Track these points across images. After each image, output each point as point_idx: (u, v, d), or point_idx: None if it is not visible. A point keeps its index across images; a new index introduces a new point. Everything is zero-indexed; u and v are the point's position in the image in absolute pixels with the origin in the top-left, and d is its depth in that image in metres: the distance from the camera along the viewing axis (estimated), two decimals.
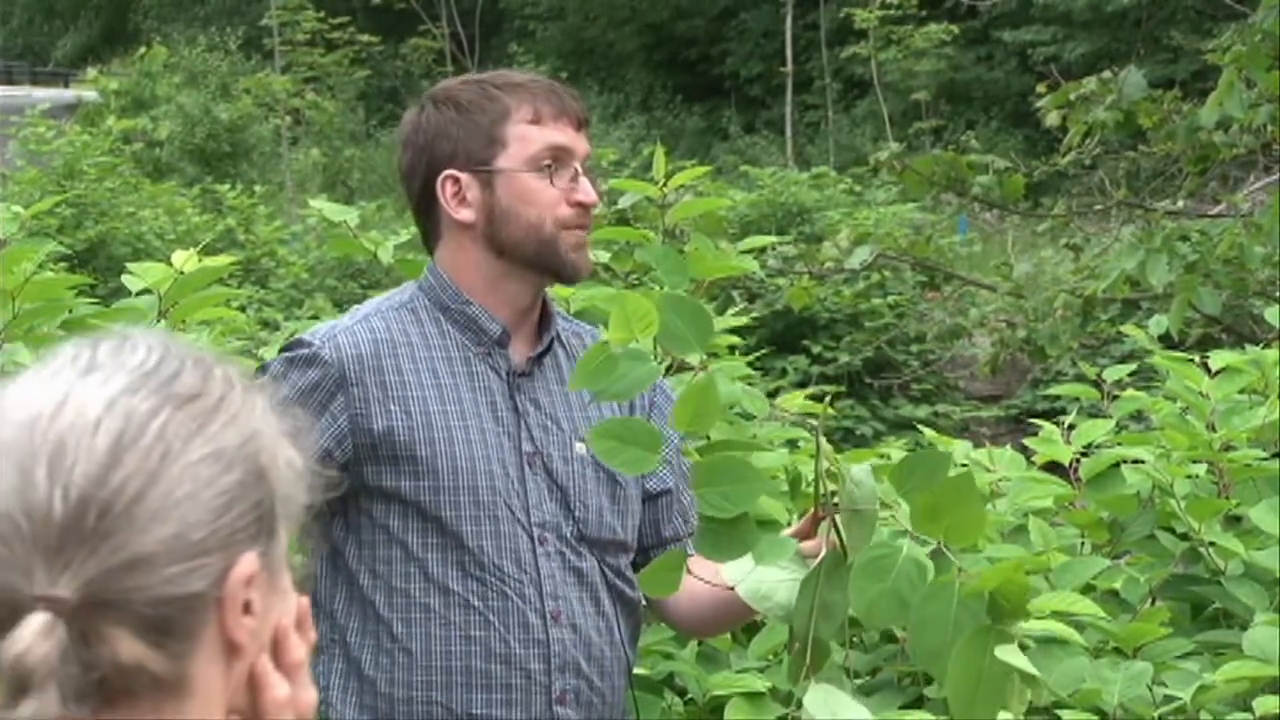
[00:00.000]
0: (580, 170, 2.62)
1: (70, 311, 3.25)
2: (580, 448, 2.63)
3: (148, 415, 1.14)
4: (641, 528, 2.73)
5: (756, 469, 2.25)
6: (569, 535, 2.61)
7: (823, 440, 2.22)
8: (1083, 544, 3.81)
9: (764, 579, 2.26)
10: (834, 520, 2.22)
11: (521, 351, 2.66)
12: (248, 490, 1.16)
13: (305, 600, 1.22)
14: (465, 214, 2.62)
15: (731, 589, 2.30)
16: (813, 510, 2.36)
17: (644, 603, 2.72)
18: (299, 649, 1.20)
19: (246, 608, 1.15)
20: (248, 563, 1.15)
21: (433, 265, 2.68)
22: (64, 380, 1.16)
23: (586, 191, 2.62)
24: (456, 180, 2.61)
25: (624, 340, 2.11)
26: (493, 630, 2.55)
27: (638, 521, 2.71)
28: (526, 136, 2.60)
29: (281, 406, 1.23)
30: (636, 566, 2.69)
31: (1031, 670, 1.99)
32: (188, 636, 1.13)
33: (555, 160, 2.61)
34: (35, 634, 1.09)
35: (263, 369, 2.68)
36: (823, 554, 2.19)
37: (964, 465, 3.91)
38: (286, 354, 2.62)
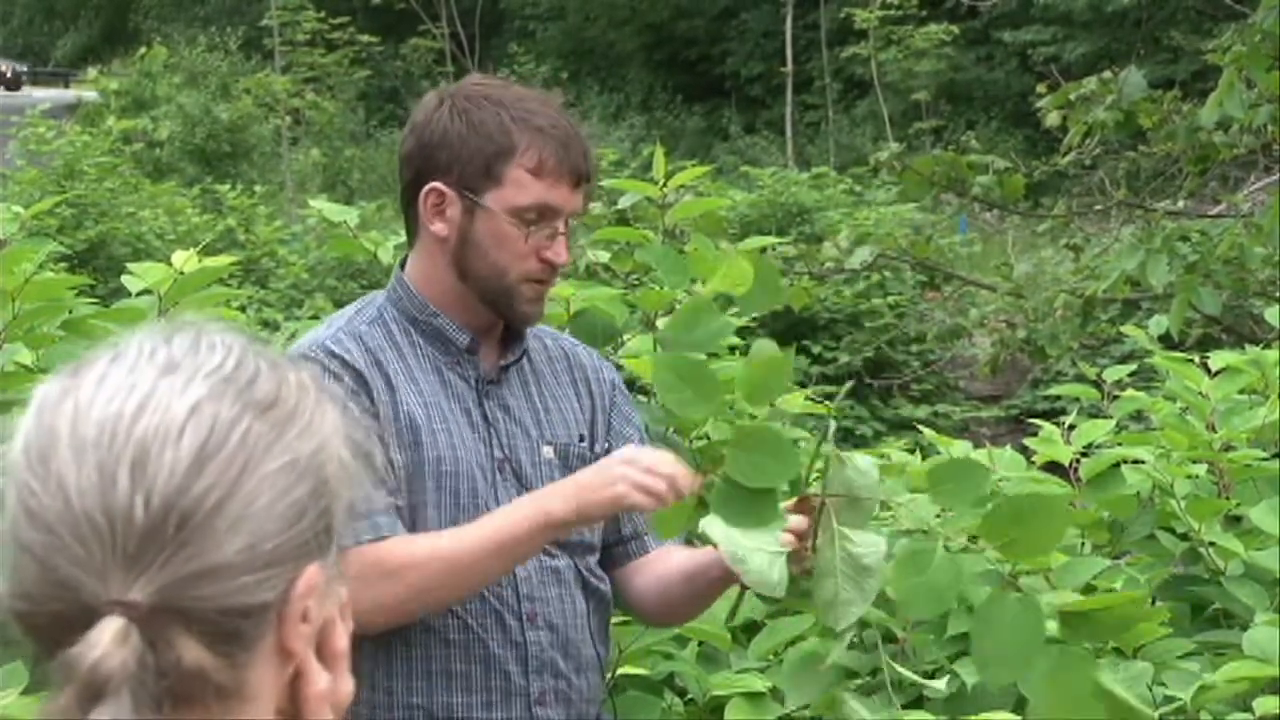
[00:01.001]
0: (561, 229, 2.60)
1: (70, 312, 3.25)
2: (548, 451, 2.65)
3: (230, 424, 1.13)
4: (604, 525, 2.75)
5: (795, 453, 2.29)
6: None
7: (832, 425, 2.26)
8: (1083, 544, 3.81)
9: (742, 544, 2.31)
10: (823, 504, 2.27)
11: (490, 359, 2.67)
12: (316, 500, 1.16)
13: (344, 591, 1.21)
14: (440, 227, 2.61)
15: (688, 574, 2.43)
16: (807, 494, 2.40)
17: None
18: (343, 639, 1.19)
19: (304, 615, 1.15)
20: (312, 574, 1.15)
21: (400, 275, 2.68)
22: (144, 379, 1.14)
23: (558, 252, 2.59)
24: (441, 194, 2.59)
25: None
26: (471, 634, 2.56)
27: (602, 523, 2.72)
28: (521, 184, 2.57)
29: (346, 410, 1.22)
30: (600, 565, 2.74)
31: (1137, 705, 1.99)
32: (250, 645, 1.13)
33: (540, 217, 2.58)
34: (112, 639, 1.08)
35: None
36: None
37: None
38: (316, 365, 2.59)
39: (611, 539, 2.76)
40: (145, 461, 1.11)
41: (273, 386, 1.17)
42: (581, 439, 2.71)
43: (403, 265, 2.71)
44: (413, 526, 2.54)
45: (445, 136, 2.59)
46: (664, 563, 2.72)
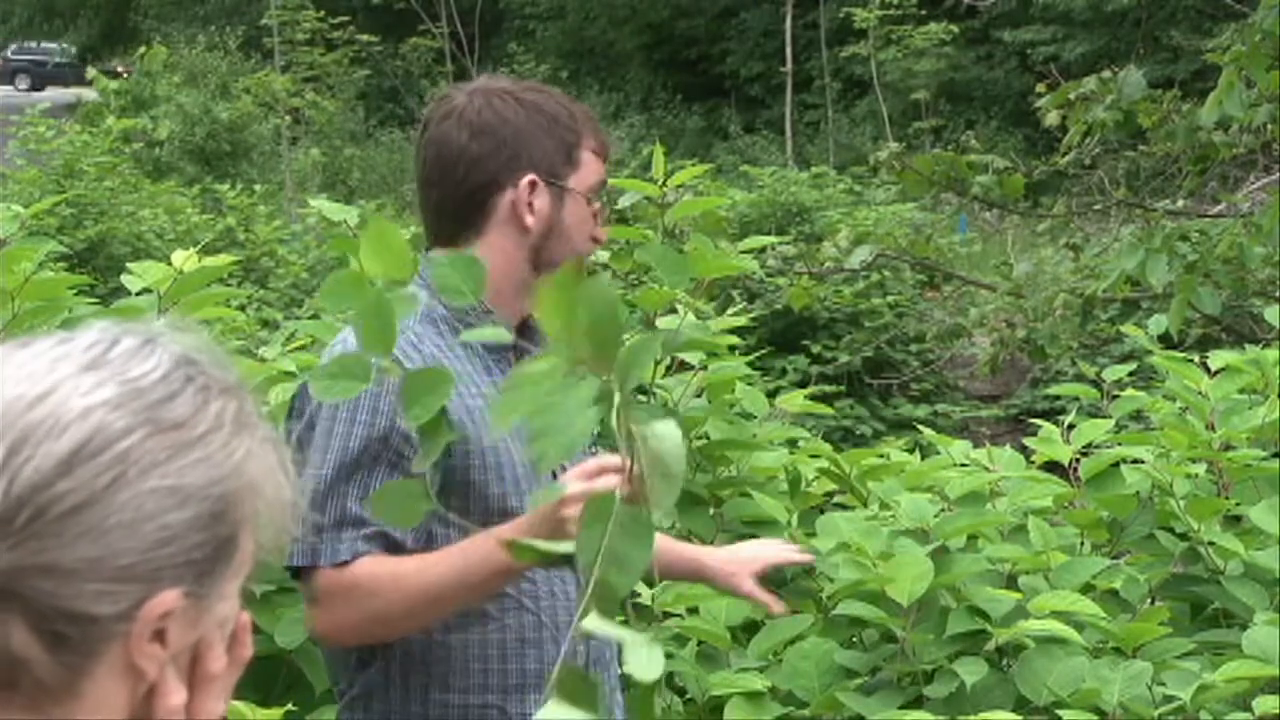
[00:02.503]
0: (603, 207, 2.71)
1: (70, 311, 3.25)
2: None
3: (118, 434, 1.13)
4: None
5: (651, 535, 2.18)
6: None
7: (627, 396, 2.15)
8: (1082, 543, 3.81)
9: (622, 636, 2.23)
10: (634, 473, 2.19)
11: (512, 357, 2.68)
12: (196, 530, 1.15)
13: (245, 616, 1.21)
14: (530, 220, 2.62)
15: None
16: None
17: None
18: (216, 662, 1.19)
19: (158, 637, 1.15)
20: (164, 600, 1.14)
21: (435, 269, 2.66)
22: (62, 370, 1.15)
23: (603, 231, 2.71)
24: (535, 185, 2.62)
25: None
26: (545, 631, 2.57)
27: None
28: (589, 165, 2.66)
29: (276, 443, 1.21)
30: None
31: None
32: (85, 652, 1.13)
33: (597, 193, 2.69)
34: None
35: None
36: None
37: (964, 464, 3.91)
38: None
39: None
40: (21, 449, 1.11)
41: (187, 411, 1.16)
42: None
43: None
44: (487, 526, 2.49)
45: (530, 131, 2.62)
46: None
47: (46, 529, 1.11)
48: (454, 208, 2.64)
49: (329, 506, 2.46)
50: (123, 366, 1.16)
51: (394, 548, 2.48)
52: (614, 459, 2.38)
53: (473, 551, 2.42)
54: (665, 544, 2.94)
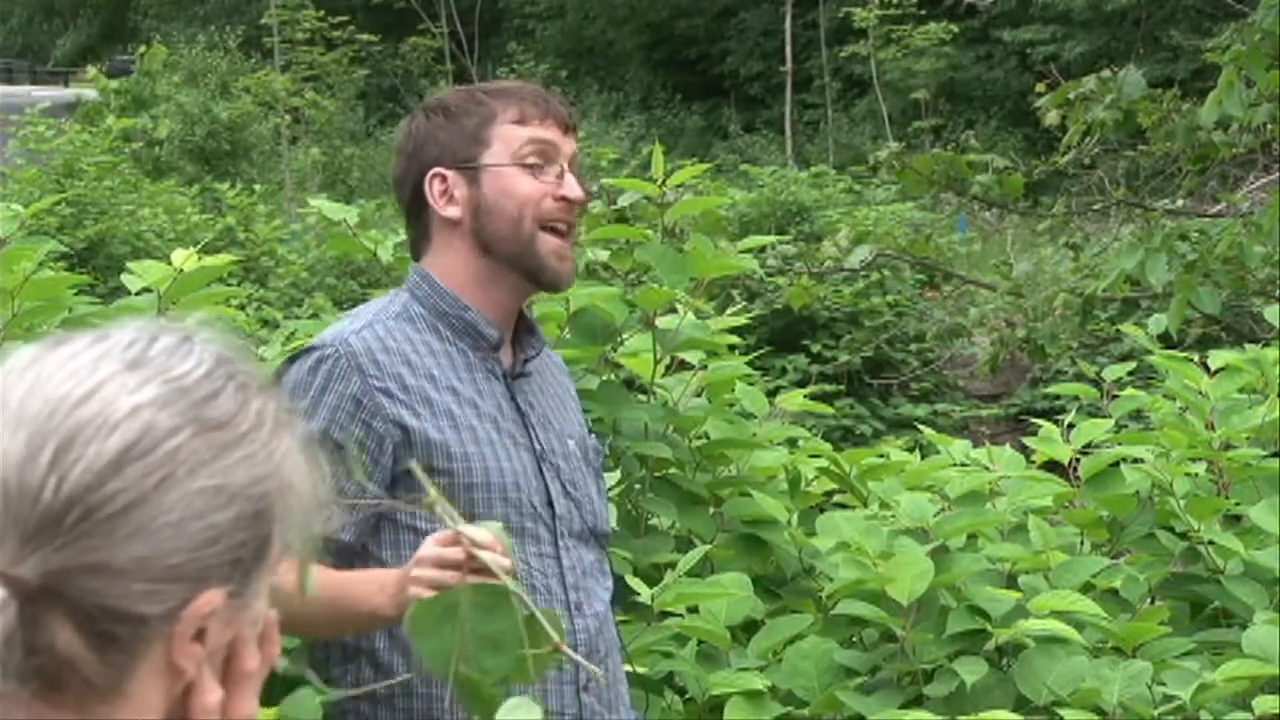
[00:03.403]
0: (566, 168, 2.65)
1: (70, 310, 3.25)
2: (571, 444, 2.70)
3: (166, 433, 1.13)
4: None
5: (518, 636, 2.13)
6: (579, 530, 2.67)
7: (444, 506, 2.11)
8: (1082, 543, 3.81)
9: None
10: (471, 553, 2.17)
11: (507, 356, 2.69)
12: (239, 529, 1.15)
13: (273, 614, 1.21)
14: (452, 210, 2.65)
15: None
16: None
17: None
18: (251, 660, 1.19)
19: (199, 636, 1.15)
20: (209, 599, 1.14)
21: (423, 272, 2.69)
22: (106, 368, 1.15)
23: (571, 187, 2.64)
24: (443, 178, 2.65)
25: None
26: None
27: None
28: (511, 135, 2.64)
29: (308, 441, 1.22)
30: None
31: None
32: (130, 651, 1.13)
33: (540, 155, 2.64)
34: None
35: (278, 377, 2.68)
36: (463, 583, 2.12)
37: (964, 464, 3.91)
38: (305, 362, 2.60)
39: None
40: (70, 448, 1.11)
41: (230, 409, 1.17)
42: (590, 432, 2.81)
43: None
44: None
45: (428, 134, 2.67)
46: None
47: (97, 529, 1.11)
48: (409, 226, 2.74)
49: None
50: (165, 364, 1.16)
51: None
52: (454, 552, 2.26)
53: (353, 589, 2.41)
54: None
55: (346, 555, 2.51)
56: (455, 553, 2.15)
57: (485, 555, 2.12)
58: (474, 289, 2.66)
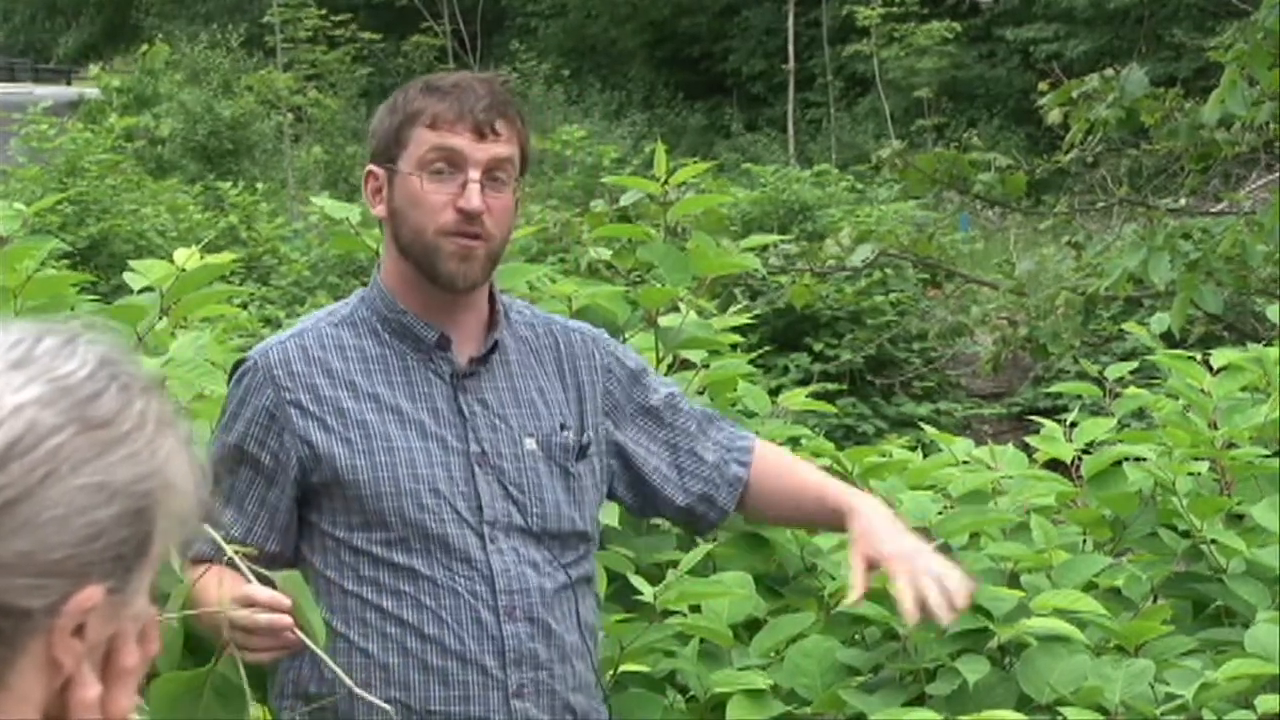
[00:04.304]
0: (474, 177, 2.60)
1: (72, 309, 3.25)
2: (530, 443, 2.67)
3: (49, 431, 1.15)
4: (656, 508, 2.90)
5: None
6: (521, 529, 2.64)
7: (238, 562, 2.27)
8: (1084, 542, 3.81)
9: None
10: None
11: (467, 352, 2.68)
12: (121, 526, 1.17)
13: (154, 612, 1.23)
14: (380, 209, 2.68)
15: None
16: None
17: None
18: (131, 657, 1.21)
19: (78, 631, 1.16)
20: (90, 595, 1.16)
21: (376, 274, 2.73)
22: None
23: (469, 198, 2.60)
24: (375, 175, 2.68)
25: None
26: (446, 628, 2.59)
27: (597, 511, 2.78)
28: (421, 140, 2.62)
29: (191, 442, 1.24)
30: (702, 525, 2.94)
31: None
32: (11, 645, 1.14)
33: (446, 163, 2.61)
34: None
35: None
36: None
37: (966, 462, 3.91)
38: (236, 374, 2.68)
39: (699, 507, 2.90)
40: None
41: (113, 408, 1.18)
42: (564, 427, 2.72)
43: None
44: (376, 529, 2.59)
45: (376, 124, 2.69)
46: (789, 479, 2.95)
47: None
48: None
49: None
50: (49, 365, 1.18)
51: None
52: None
53: (212, 594, 2.43)
54: (798, 473, 2.97)
55: (282, 565, 2.54)
56: (242, 616, 2.29)
57: (262, 618, 2.29)
58: (404, 288, 2.68)
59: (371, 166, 2.68)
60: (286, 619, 2.32)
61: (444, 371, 2.66)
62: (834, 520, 2.88)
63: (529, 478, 2.66)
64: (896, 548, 2.75)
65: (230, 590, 2.37)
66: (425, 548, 2.59)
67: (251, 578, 2.31)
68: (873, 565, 2.76)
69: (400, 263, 2.67)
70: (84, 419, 1.17)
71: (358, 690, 2.33)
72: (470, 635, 2.59)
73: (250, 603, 2.34)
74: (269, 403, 2.61)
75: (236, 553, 2.27)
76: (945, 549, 3.44)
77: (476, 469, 2.62)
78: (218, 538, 2.38)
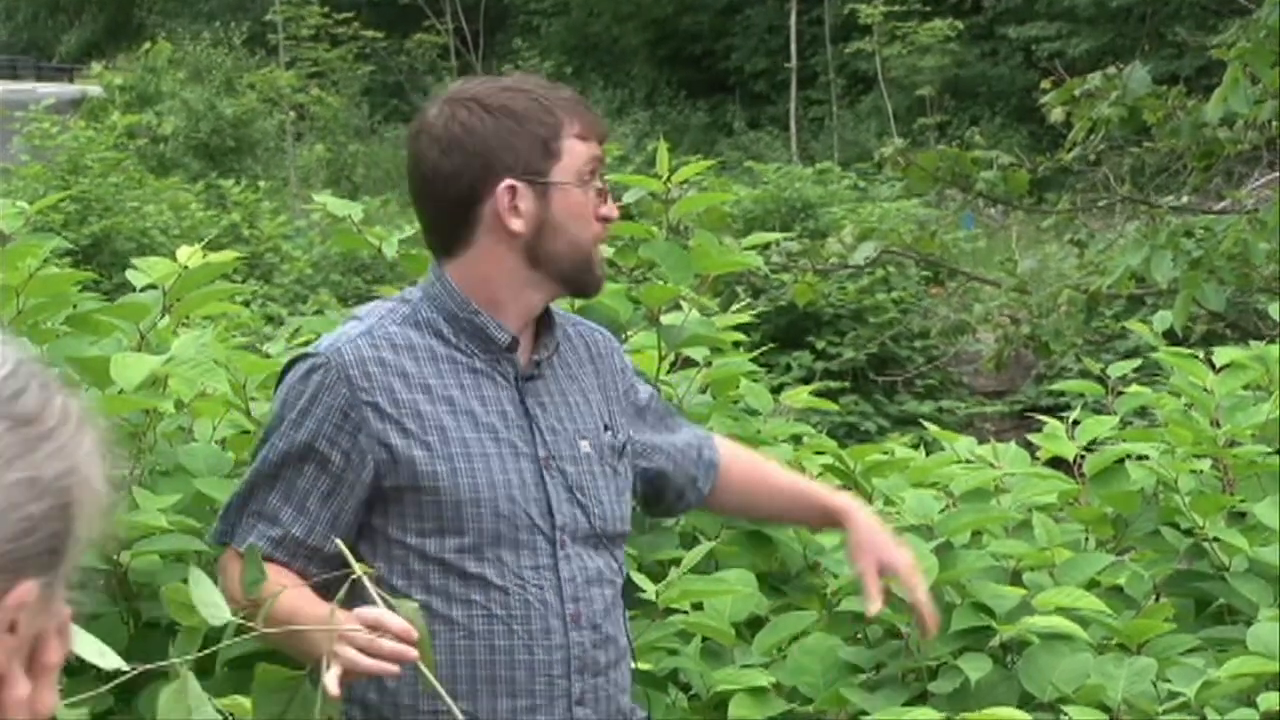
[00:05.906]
0: (602, 185, 2.66)
1: (74, 307, 3.25)
2: (584, 445, 2.66)
3: None
4: (660, 500, 2.94)
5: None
6: (586, 534, 2.64)
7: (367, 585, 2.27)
8: (1087, 540, 3.81)
9: None
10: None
11: (524, 355, 2.67)
12: (50, 520, 1.17)
13: (69, 611, 1.23)
14: (517, 224, 2.60)
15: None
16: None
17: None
18: (55, 653, 1.21)
19: (11, 627, 1.16)
20: (25, 590, 1.16)
21: (440, 273, 2.65)
22: None
23: (611, 208, 2.66)
24: (514, 190, 2.59)
25: None
26: (516, 638, 2.57)
27: (629, 511, 2.79)
28: (574, 151, 2.61)
29: (104, 443, 1.24)
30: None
31: None
32: None
33: (592, 174, 2.64)
34: None
35: (279, 379, 2.68)
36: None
37: (969, 460, 3.91)
38: (298, 370, 2.61)
39: (689, 492, 2.94)
40: None
41: (36, 404, 1.18)
42: (606, 428, 2.73)
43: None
44: (450, 536, 2.55)
45: (499, 136, 2.59)
46: (760, 468, 3.03)
47: None
48: (440, 223, 2.66)
49: (252, 498, 2.61)
50: None
51: (298, 549, 2.57)
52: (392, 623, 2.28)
53: (310, 619, 2.38)
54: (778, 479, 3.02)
55: (339, 566, 2.50)
56: (365, 639, 2.24)
57: (387, 644, 2.24)
58: (504, 292, 2.63)
59: (512, 182, 2.58)
60: (414, 652, 2.27)
61: (509, 374, 2.63)
62: (820, 517, 2.97)
63: (588, 480, 2.65)
64: (903, 558, 2.86)
65: (338, 610, 2.28)
66: (497, 555, 2.56)
67: (379, 601, 2.27)
68: (881, 572, 2.79)
69: (524, 271, 2.62)
70: (12, 415, 1.17)
71: (454, 707, 2.29)
72: (540, 645, 2.57)
73: (379, 626, 2.26)
74: (343, 402, 2.55)
75: (365, 572, 2.24)
76: (948, 547, 3.45)
77: (544, 473, 2.61)
78: (346, 552, 2.32)
